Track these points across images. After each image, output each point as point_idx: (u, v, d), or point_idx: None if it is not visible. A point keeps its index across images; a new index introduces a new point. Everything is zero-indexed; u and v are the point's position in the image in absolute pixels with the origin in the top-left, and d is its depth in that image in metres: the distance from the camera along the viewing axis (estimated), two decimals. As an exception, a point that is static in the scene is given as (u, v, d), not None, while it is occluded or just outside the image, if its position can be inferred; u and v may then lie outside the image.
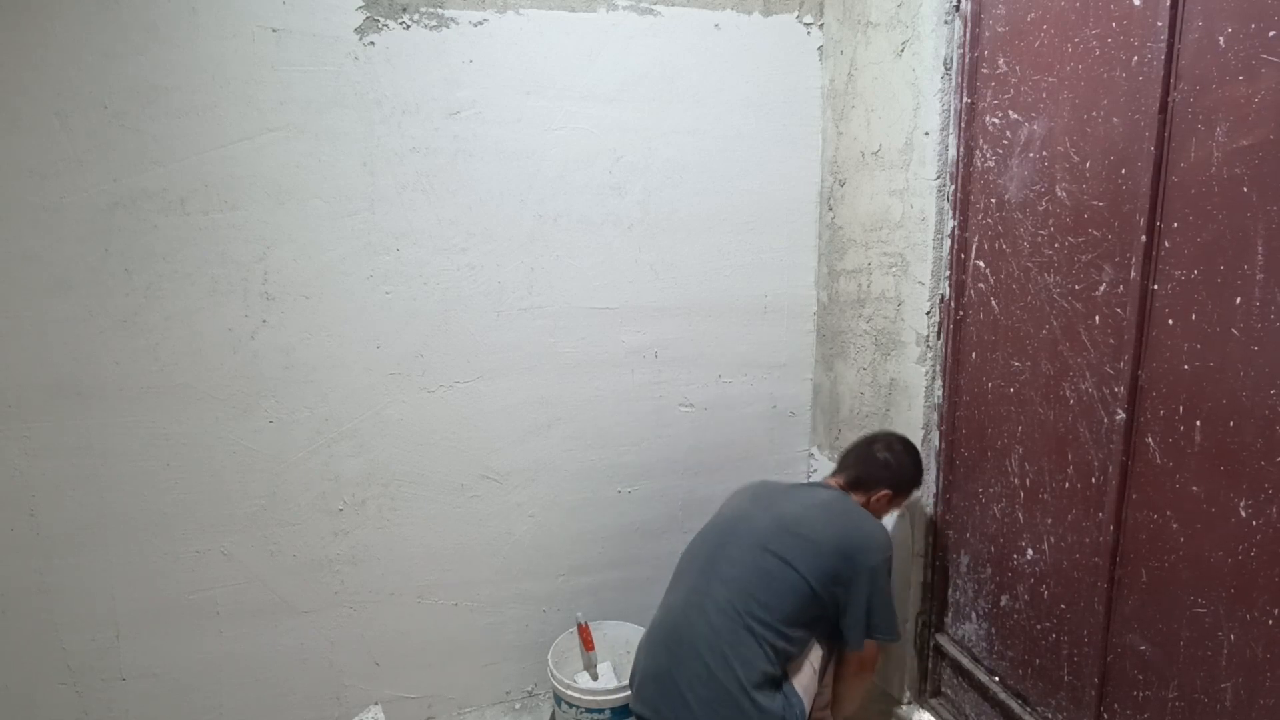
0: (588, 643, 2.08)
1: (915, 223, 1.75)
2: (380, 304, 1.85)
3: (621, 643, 2.12)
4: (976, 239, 1.61)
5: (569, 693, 1.87)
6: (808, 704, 1.49)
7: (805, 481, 1.76)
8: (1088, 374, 1.36)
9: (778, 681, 1.47)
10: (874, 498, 1.65)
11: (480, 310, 1.93)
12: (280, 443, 1.84)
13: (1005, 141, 1.51)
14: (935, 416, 1.76)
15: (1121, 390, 1.28)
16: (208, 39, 1.64)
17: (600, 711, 1.86)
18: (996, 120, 1.53)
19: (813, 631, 1.53)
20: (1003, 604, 1.62)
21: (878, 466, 1.66)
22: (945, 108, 1.64)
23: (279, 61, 1.69)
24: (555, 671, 1.92)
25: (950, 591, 1.79)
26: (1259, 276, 1.06)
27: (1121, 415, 1.28)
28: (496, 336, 1.95)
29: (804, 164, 2.13)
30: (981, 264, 1.60)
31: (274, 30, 1.68)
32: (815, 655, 1.54)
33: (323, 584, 1.93)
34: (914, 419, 1.80)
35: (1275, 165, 1.03)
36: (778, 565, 1.50)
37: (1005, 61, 1.50)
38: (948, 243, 1.69)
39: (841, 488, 1.67)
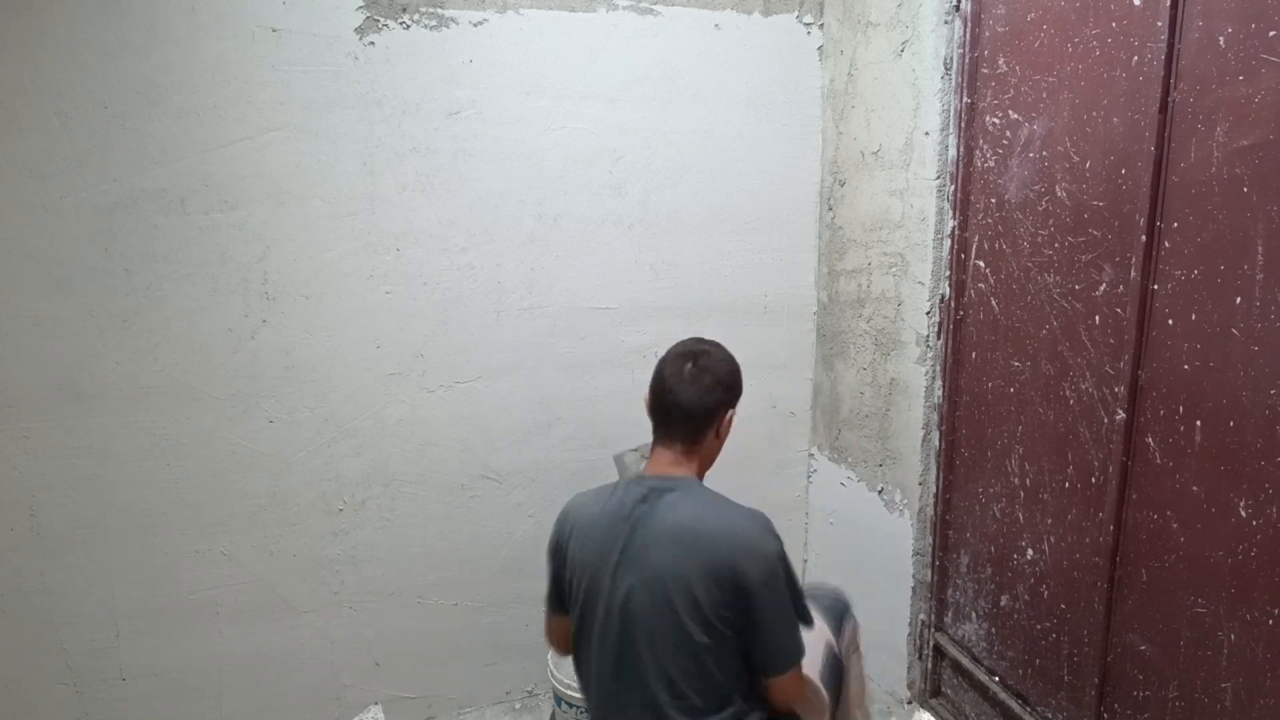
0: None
1: (915, 223, 1.75)
2: (380, 304, 1.85)
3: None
4: (976, 239, 1.61)
5: (569, 693, 1.87)
6: None
7: (623, 482, 1.31)
8: (1088, 374, 1.36)
9: None
10: (720, 429, 1.29)
11: (480, 310, 1.93)
12: (280, 443, 1.84)
13: (1005, 141, 1.51)
14: (935, 416, 1.76)
15: (1121, 390, 1.28)
16: (208, 39, 1.64)
17: (600, 712, 1.86)
18: (996, 120, 1.53)
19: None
20: (1003, 604, 1.62)
21: (711, 391, 1.24)
22: (945, 108, 1.64)
23: (279, 61, 1.69)
24: (555, 671, 1.92)
25: (950, 591, 1.79)
26: (1259, 276, 1.06)
27: (1121, 415, 1.28)
28: (496, 336, 1.95)
29: (804, 164, 2.13)
30: (981, 264, 1.60)
31: (274, 30, 1.68)
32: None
33: (323, 584, 1.93)
34: (914, 419, 1.80)
35: (1275, 165, 1.03)
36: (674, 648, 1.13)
37: (1005, 61, 1.50)
38: (948, 243, 1.69)
39: (680, 459, 1.25)
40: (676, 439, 1.26)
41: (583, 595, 1.23)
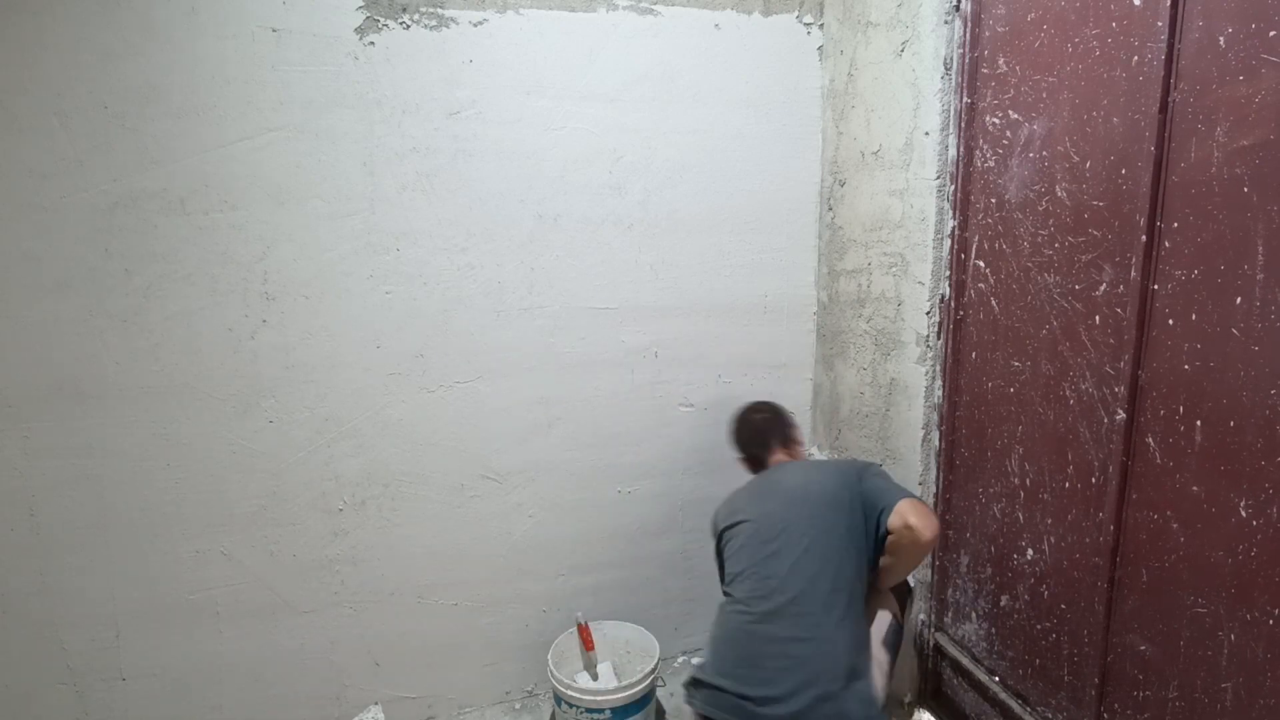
0: (588, 642, 2.08)
1: (915, 223, 1.75)
2: (380, 304, 1.85)
3: (621, 643, 2.13)
4: (976, 239, 1.61)
5: (569, 692, 1.87)
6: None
7: (759, 475, 1.78)
8: (1088, 374, 1.35)
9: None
10: (797, 439, 1.87)
11: (480, 310, 1.93)
12: (280, 443, 1.84)
13: (1005, 141, 1.51)
14: (935, 416, 1.76)
15: (1122, 390, 1.28)
16: (208, 39, 1.64)
17: (600, 711, 1.86)
18: (996, 120, 1.53)
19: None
20: (1003, 604, 1.62)
21: (778, 420, 1.87)
22: (945, 108, 1.64)
23: (279, 61, 1.69)
24: (555, 671, 1.92)
25: (950, 591, 1.79)
26: (1259, 276, 1.05)
27: (1122, 415, 1.28)
28: (496, 336, 1.95)
29: (804, 164, 2.13)
30: (981, 264, 1.60)
31: (274, 30, 1.68)
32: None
33: (323, 584, 1.93)
34: (914, 419, 1.80)
35: (1276, 165, 1.03)
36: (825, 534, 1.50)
37: (1005, 61, 1.50)
38: (948, 243, 1.68)
39: (784, 456, 1.81)
40: (774, 449, 1.82)
41: (738, 521, 1.63)
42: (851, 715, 1.33)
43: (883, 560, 1.57)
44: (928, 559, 1.81)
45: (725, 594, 1.59)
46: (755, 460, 1.84)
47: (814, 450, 2.28)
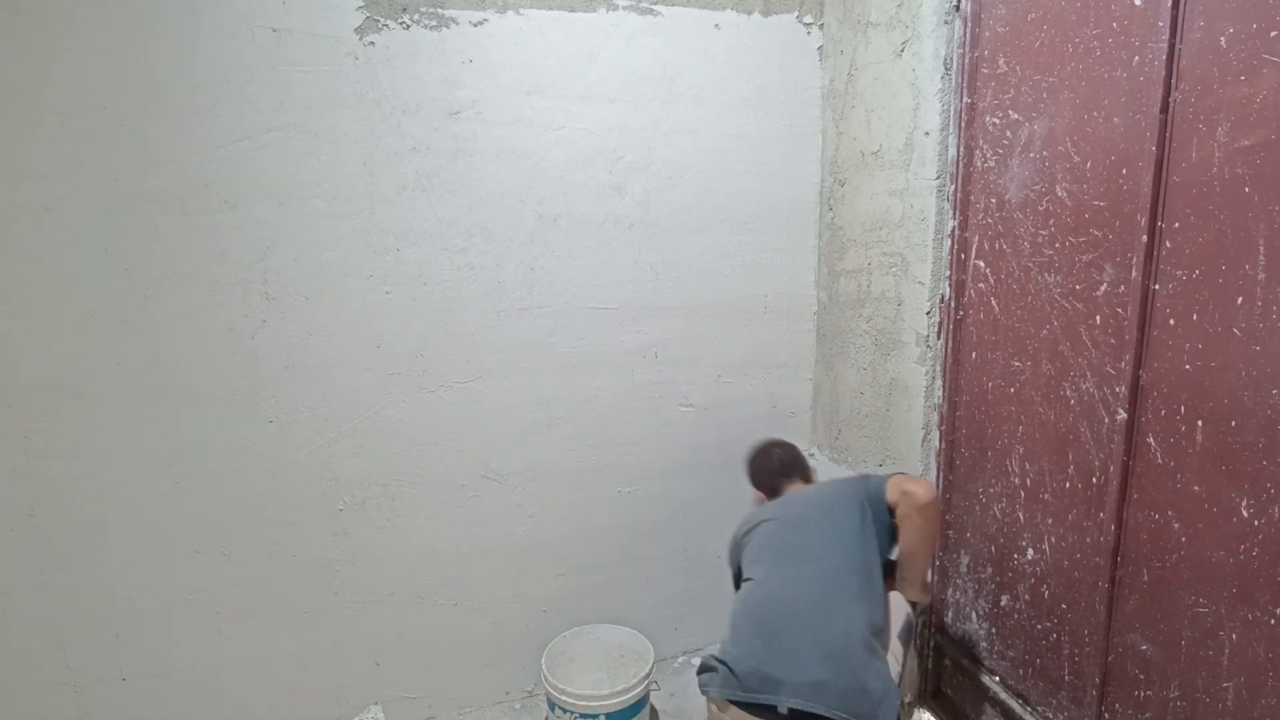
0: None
1: (915, 223, 1.75)
2: (380, 304, 1.85)
3: (615, 647, 2.12)
4: (976, 239, 1.61)
5: (562, 697, 1.87)
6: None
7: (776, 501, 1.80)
8: (1088, 374, 1.35)
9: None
10: (809, 467, 1.90)
11: (480, 310, 1.93)
12: (280, 443, 1.83)
13: (1005, 141, 1.51)
14: (935, 416, 1.76)
15: (1122, 390, 1.28)
16: (208, 39, 1.64)
17: (594, 717, 1.86)
18: (997, 120, 1.53)
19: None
20: (1003, 604, 1.62)
21: (791, 453, 1.89)
22: (945, 108, 1.64)
23: (279, 61, 1.69)
24: (549, 675, 1.91)
25: (950, 591, 1.79)
26: (1260, 276, 1.05)
27: (1123, 415, 1.28)
28: (496, 336, 1.95)
29: (804, 164, 2.13)
30: (982, 264, 1.60)
31: (274, 30, 1.68)
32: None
33: (323, 584, 1.93)
34: (914, 419, 1.80)
35: (1276, 165, 1.03)
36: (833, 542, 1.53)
37: (1005, 61, 1.50)
38: (948, 243, 1.68)
39: (801, 485, 1.82)
40: (798, 480, 1.84)
41: (759, 551, 1.61)
42: (872, 690, 1.32)
43: (898, 547, 1.55)
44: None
45: (745, 580, 1.60)
46: (774, 491, 1.84)
47: (814, 451, 2.28)
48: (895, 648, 1.61)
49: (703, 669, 1.47)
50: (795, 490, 1.79)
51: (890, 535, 1.54)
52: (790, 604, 1.44)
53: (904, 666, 1.71)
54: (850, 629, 1.38)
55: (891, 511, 1.52)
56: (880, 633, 1.44)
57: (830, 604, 1.42)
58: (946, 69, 1.63)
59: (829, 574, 1.46)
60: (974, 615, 1.71)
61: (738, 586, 1.63)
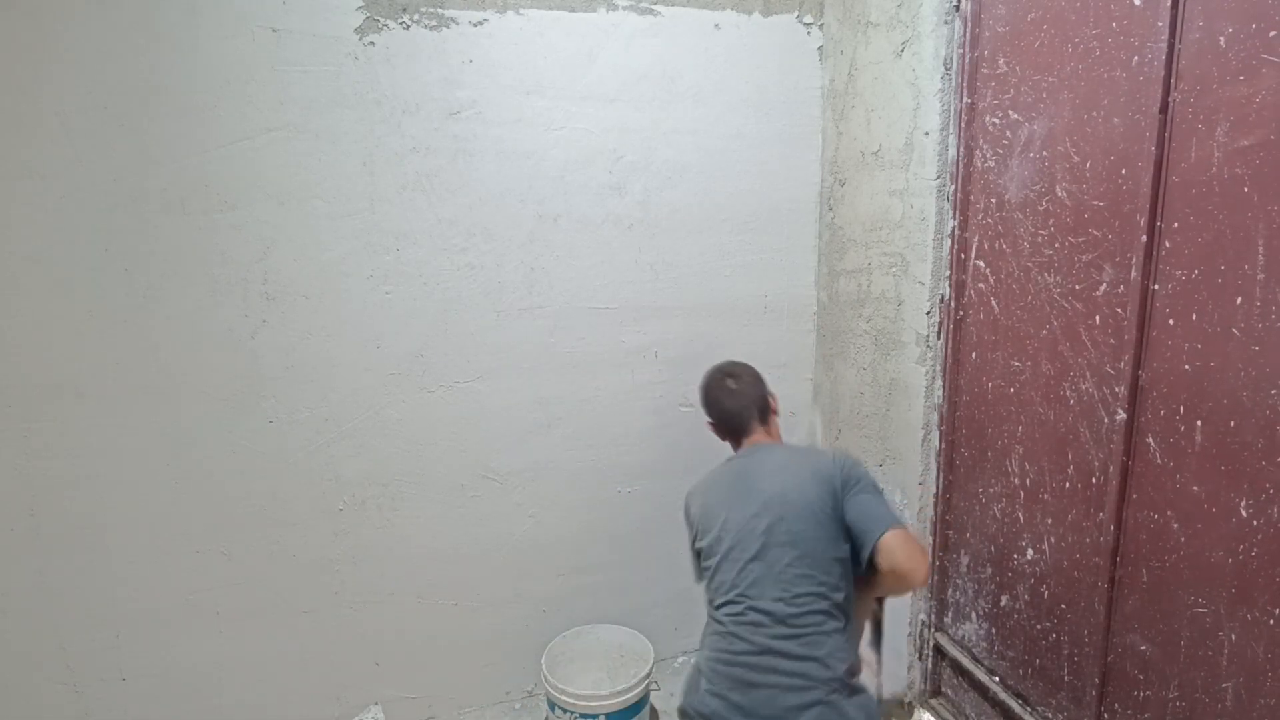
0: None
1: (915, 223, 1.75)
2: (380, 304, 1.85)
3: (615, 647, 2.12)
4: (976, 239, 1.61)
5: (562, 697, 1.87)
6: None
7: (735, 456, 1.66)
8: (1088, 374, 1.35)
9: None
10: (773, 406, 1.71)
11: (480, 310, 1.93)
12: (280, 443, 1.84)
13: (1005, 141, 1.51)
14: (935, 416, 1.76)
15: (1122, 390, 1.28)
16: (208, 39, 1.64)
17: (594, 717, 1.86)
18: (996, 120, 1.53)
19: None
20: (1003, 604, 1.62)
21: (754, 389, 1.69)
22: (945, 108, 1.64)
23: (279, 61, 1.69)
24: (549, 675, 1.91)
25: (950, 591, 1.79)
26: (1260, 276, 1.05)
27: (1122, 415, 1.28)
28: (496, 336, 1.95)
29: (804, 164, 2.13)
30: (981, 264, 1.60)
31: (274, 30, 1.68)
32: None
33: (323, 584, 1.93)
34: (914, 419, 1.80)
35: (1276, 165, 1.03)
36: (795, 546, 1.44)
37: (1005, 61, 1.50)
38: (948, 243, 1.68)
39: (762, 436, 1.66)
40: (753, 427, 1.67)
41: (716, 526, 1.52)
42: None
43: (870, 578, 1.50)
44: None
45: (710, 606, 1.52)
46: (731, 435, 1.70)
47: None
48: (870, 656, 1.61)
49: (682, 711, 1.46)
50: (756, 449, 1.62)
51: (865, 564, 1.46)
52: (768, 659, 1.38)
53: (881, 666, 1.72)
54: (830, 667, 1.36)
55: (872, 556, 1.42)
56: (855, 656, 1.44)
57: (808, 647, 1.37)
58: (946, 69, 1.63)
59: (803, 616, 1.39)
60: (974, 615, 1.71)
61: (695, 556, 1.58)
